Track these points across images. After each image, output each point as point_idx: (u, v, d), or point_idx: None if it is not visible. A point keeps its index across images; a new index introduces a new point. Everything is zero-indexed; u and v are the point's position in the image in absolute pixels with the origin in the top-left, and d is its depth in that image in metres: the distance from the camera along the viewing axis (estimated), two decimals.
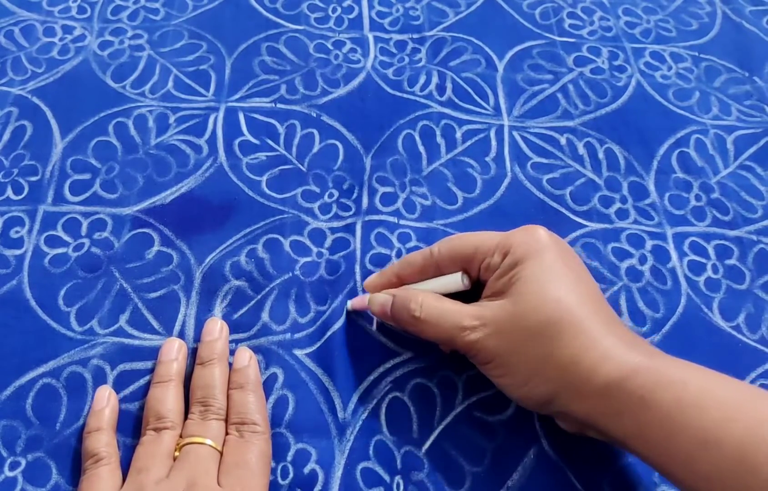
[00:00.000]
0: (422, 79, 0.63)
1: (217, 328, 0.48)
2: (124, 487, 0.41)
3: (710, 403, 0.36)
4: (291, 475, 0.43)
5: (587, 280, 0.43)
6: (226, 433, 0.43)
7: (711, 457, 0.35)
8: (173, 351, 0.47)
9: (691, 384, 0.37)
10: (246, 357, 0.47)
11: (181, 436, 0.43)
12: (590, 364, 0.39)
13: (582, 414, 0.40)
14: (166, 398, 0.44)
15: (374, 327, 0.49)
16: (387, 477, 0.44)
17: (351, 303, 0.50)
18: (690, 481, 0.36)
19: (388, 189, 0.56)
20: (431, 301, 0.44)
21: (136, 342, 0.48)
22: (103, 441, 0.43)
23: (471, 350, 0.43)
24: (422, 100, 0.61)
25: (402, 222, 0.54)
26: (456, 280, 0.45)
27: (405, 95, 0.62)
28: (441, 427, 0.45)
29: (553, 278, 0.41)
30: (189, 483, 0.40)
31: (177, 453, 0.42)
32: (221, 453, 0.42)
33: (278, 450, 0.44)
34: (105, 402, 0.45)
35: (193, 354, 0.47)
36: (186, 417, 0.44)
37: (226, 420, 0.44)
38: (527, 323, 0.40)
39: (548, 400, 0.41)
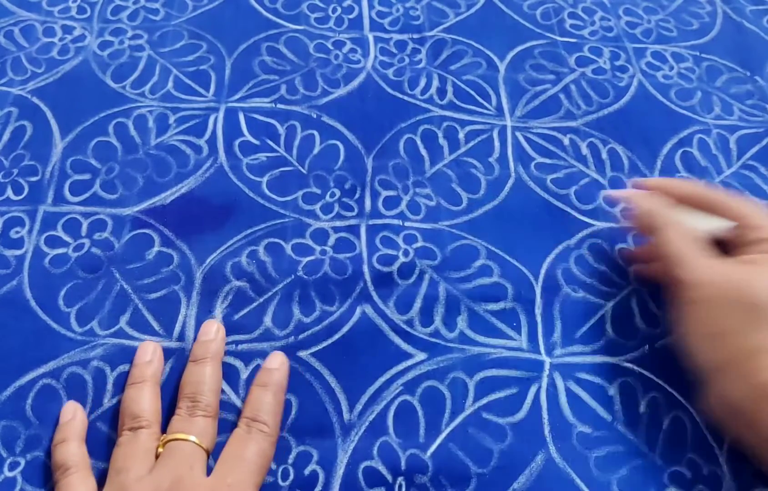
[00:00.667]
0: (423, 82, 0.63)
1: (213, 330, 0.48)
2: (104, 489, 0.41)
3: None
4: (291, 476, 0.43)
5: None
6: (236, 426, 0.44)
7: None
8: (148, 354, 0.46)
9: None
10: (278, 361, 0.47)
11: (165, 433, 0.43)
12: (763, 364, 0.40)
13: (735, 399, 0.41)
14: (141, 398, 0.44)
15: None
16: (389, 477, 0.43)
17: (611, 192, 0.52)
18: None
19: (391, 192, 0.55)
20: (679, 228, 0.46)
21: (136, 343, 0.47)
22: (71, 450, 0.42)
23: (686, 286, 0.44)
24: (423, 104, 0.61)
25: (407, 224, 0.54)
26: (728, 227, 0.47)
27: (406, 98, 0.62)
28: (449, 429, 0.45)
29: None
30: (173, 479, 0.40)
31: (161, 450, 0.42)
32: (206, 451, 0.42)
33: (280, 452, 0.44)
34: (71, 416, 0.44)
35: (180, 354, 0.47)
36: (173, 415, 0.44)
37: (239, 415, 0.44)
38: (747, 295, 0.42)
39: (715, 367, 0.43)
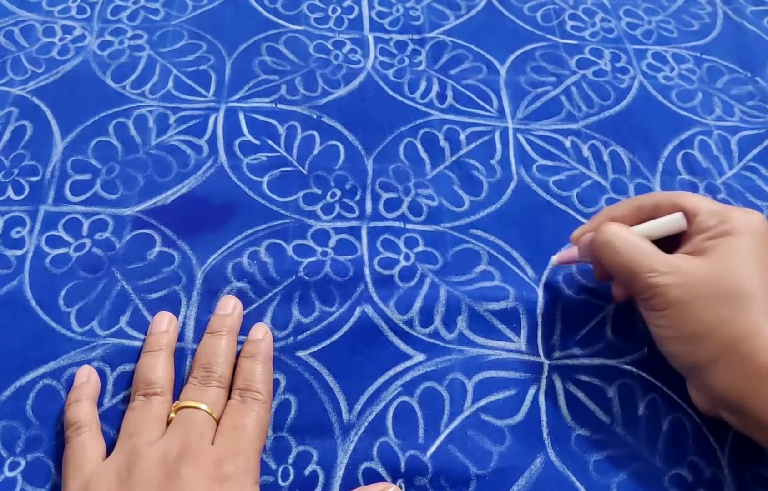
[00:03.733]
0: (423, 86, 0.63)
1: (231, 305, 0.49)
2: (114, 451, 0.41)
3: None
4: (291, 476, 0.43)
5: None
6: (229, 398, 0.44)
7: None
8: (164, 324, 0.47)
9: None
10: (262, 331, 0.48)
11: (179, 400, 0.43)
12: (759, 345, 0.40)
13: (730, 390, 0.41)
14: (156, 366, 0.45)
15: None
16: (389, 479, 0.43)
17: (558, 257, 0.50)
18: None
19: (392, 195, 0.55)
20: (627, 233, 0.46)
21: (136, 343, 0.47)
22: (84, 410, 0.43)
23: (649, 292, 0.44)
24: (423, 108, 0.61)
25: (408, 226, 0.54)
26: (676, 219, 0.46)
27: (406, 100, 0.62)
28: (448, 430, 0.45)
29: (757, 259, 0.43)
30: (183, 444, 0.40)
31: (173, 416, 0.42)
32: (217, 421, 0.43)
33: (280, 452, 0.44)
34: (85, 378, 0.45)
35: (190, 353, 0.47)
36: (186, 383, 0.45)
37: (230, 388, 0.45)
38: (716, 287, 0.42)
39: (702, 365, 0.42)
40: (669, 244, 0.46)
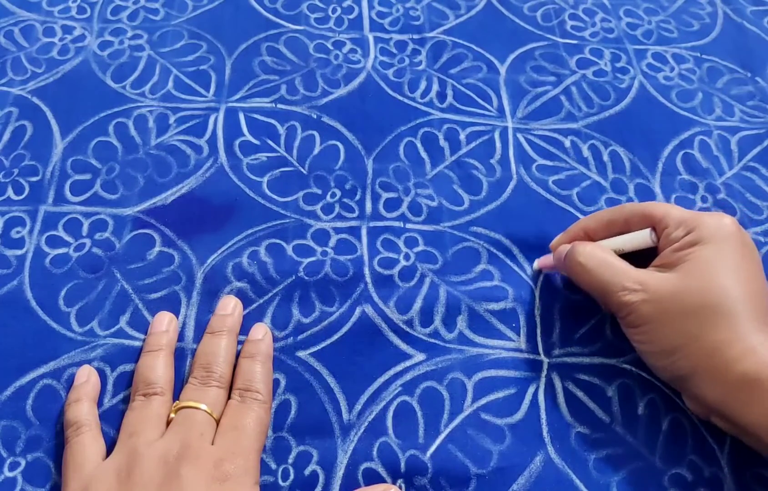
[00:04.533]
0: (423, 85, 0.63)
1: (231, 305, 0.49)
2: (114, 451, 0.41)
3: None
4: (291, 476, 0.43)
5: (758, 278, 0.44)
6: (229, 398, 0.44)
7: None
8: (164, 324, 0.47)
9: None
10: (261, 331, 0.48)
11: (179, 400, 0.44)
12: (734, 355, 0.40)
13: (714, 400, 0.41)
14: (156, 366, 0.45)
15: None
16: (389, 479, 0.43)
17: (538, 263, 0.52)
18: None
19: (392, 194, 0.55)
20: (599, 253, 0.46)
21: (136, 343, 0.47)
22: (84, 410, 0.43)
23: (623, 310, 0.44)
24: (423, 108, 0.61)
25: (408, 225, 0.54)
26: (644, 236, 0.46)
27: (406, 100, 0.62)
28: (448, 430, 0.45)
29: (726, 267, 0.42)
30: (183, 445, 0.40)
31: (173, 416, 0.42)
32: (217, 421, 0.43)
33: (280, 452, 0.44)
34: (85, 378, 0.45)
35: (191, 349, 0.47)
36: (185, 384, 0.45)
37: (230, 388, 0.45)
38: (687, 301, 0.42)
39: (684, 377, 0.43)
40: (646, 254, 0.46)
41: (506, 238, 0.54)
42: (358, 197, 0.55)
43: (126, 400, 0.45)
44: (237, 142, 0.57)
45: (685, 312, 0.42)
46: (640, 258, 0.46)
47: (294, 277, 0.50)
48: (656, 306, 0.43)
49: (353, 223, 0.54)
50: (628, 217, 0.48)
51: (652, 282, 0.43)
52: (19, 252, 0.50)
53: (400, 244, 0.53)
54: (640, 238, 0.47)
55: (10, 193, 0.53)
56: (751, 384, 0.39)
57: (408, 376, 0.47)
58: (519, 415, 0.46)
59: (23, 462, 0.43)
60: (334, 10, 0.68)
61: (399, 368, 0.47)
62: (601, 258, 0.46)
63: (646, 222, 0.47)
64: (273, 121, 0.59)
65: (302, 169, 0.56)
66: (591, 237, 0.49)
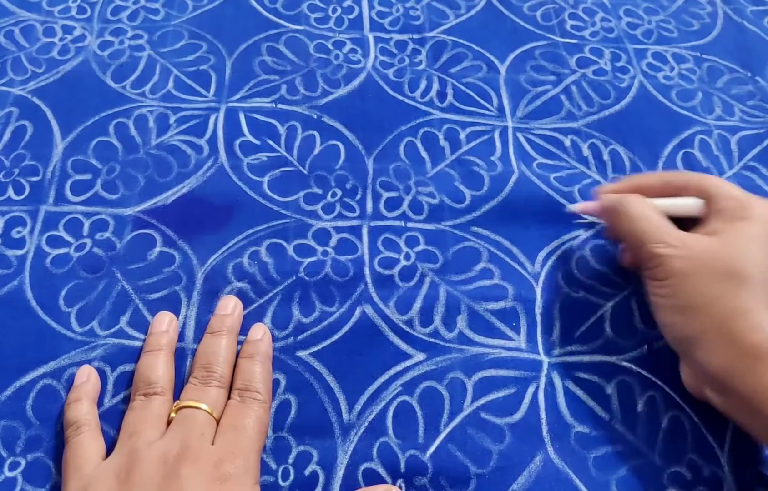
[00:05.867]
0: (423, 85, 0.63)
1: (231, 305, 0.49)
2: (114, 451, 0.41)
3: None
4: (291, 476, 0.43)
5: None
6: (228, 398, 0.44)
7: None
8: (164, 324, 0.47)
9: None
10: (260, 331, 0.48)
11: (179, 400, 0.44)
12: (748, 324, 0.41)
13: (717, 366, 0.41)
14: (156, 365, 0.45)
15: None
16: (389, 480, 0.43)
17: (579, 206, 0.52)
18: None
19: (392, 194, 0.55)
20: (647, 206, 0.47)
21: (137, 343, 0.47)
22: (84, 409, 0.43)
23: (653, 261, 0.45)
24: (423, 107, 0.61)
25: (409, 225, 0.54)
26: (696, 204, 0.47)
27: (406, 100, 0.62)
28: (448, 430, 0.45)
29: (764, 245, 0.43)
30: (183, 445, 0.40)
31: (173, 416, 0.42)
32: (218, 421, 0.43)
33: (280, 452, 0.44)
34: (85, 377, 0.45)
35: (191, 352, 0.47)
36: (186, 383, 0.45)
37: (230, 388, 0.45)
38: (719, 264, 0.43)
39: (692, 338, 0.43)
40: (691, 226, 0.47)
41: (507, 235, 0.54)
42: (358, 197, 0.55)
43: (126, 400, 0.45)
44: (237, 142, 0.57)
45: (714, 272, 0.42)
46: (680, 225, 0.47)
47: (294, 277, 0.50)
48: (687, 262, 0.43)
49: (354, 223, 0.54)
50: (688, 183, 0.48)
51: (693, 245, 0.44)
52: (19, 252, 0.50)
53: (401, 243, 0.53)
54: (690, 205, 0.47)
55: (10, 192, 0.53)
56: (760, 355, 0.40)
57: (408, 376, 0.47)
58: (519, 415, 0.46)
59: (23, 462, 0.43)
60: (334, 10, 0.68)
61: (399, 368, 0.47)
62: (648, 212, 0.47)
63: (700, 194, 0.47)
64: (273, 121, 0.59)
65: (303, 169, 0.56)
66: (642, 192, 0.49)
